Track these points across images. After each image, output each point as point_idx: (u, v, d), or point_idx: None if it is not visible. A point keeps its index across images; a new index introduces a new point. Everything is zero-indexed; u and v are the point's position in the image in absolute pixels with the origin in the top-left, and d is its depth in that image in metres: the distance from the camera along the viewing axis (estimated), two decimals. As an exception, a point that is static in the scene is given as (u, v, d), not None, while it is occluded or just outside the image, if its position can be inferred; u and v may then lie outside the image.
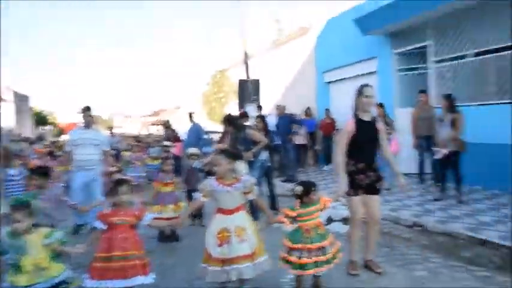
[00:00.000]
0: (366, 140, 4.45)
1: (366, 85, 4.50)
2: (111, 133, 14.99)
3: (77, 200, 5.92)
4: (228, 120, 7.02)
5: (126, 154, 11.92)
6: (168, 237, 6.03)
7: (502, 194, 7.52)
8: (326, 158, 12.31)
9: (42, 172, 4.92)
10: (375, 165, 4.51)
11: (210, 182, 3.88)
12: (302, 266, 3.80)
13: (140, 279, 3.53)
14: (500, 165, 7.63)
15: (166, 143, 10.76)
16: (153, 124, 30.74)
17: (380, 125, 4.57)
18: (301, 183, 4.09)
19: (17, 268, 3.32)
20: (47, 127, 26.52)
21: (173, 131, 12.04)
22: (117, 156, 12.12)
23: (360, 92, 4.45)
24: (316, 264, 3.82)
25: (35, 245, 3.35)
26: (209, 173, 5.67)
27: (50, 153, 10.53)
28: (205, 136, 12.13)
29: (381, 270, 4.44)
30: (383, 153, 4.62)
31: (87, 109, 6.93)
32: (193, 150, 7.26)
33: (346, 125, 4.52)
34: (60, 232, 3.52)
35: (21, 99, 29.04)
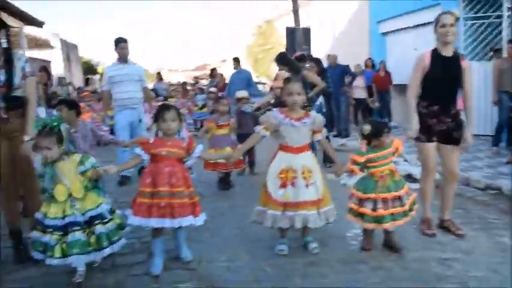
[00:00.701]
0: (443, 78, 3.68)
1: (445, 12, 3.69)
2: (160, 79, 14.63)
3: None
4: (283, 58, 6.30)
5: (171, 101, 11.61)
6: (220, 181, 5.67)
7: None
8: (381, 114, 11.49)
9: (69, 103, 4.22)
10: (453, 109, 3.76)
11: (275, 114, 3.34)
12: (377, 219, 3.27)
13: (189, 220, 3.07)
14: None
15: (212, 89, 10.25)
16: (197, 77, 30.41)
17: (464, 63, 3.75)
18: (371, 122, 3.48)
19: (51, 198, 2.97)
20: (96, 76, 26.69)
21: (222, 77, 11.48)
22: (163, 103, 11.88)
23: (436, 22, 3.69)
24: (393, 216, 3.27)
25: (68, 174, 2.98)
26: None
27: (94, 92, 10.34)
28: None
29: (462, 232, 3.81)
30: (463, 98, 3.84)
31: (121, 40, 6.10)
32: (242, 93, 6.66)
33: (420, 57, 3.79)
34: (93, 158, 3.10)
35: (70, 48, 29.29)
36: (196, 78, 24.89)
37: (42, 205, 3.04)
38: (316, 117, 3.41)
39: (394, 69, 11.28)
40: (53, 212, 2.91)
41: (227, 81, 11.58)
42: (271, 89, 6.66)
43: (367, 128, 3.37)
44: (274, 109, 3.45)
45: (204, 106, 11.13)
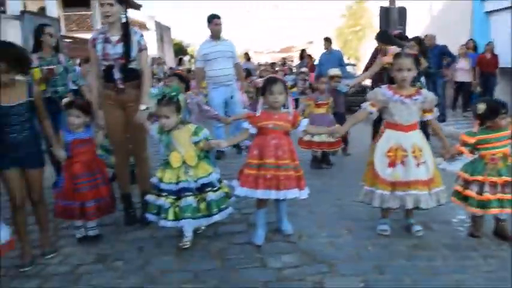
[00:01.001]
0: None
1: None
2: (248, 59, 14.78)
3: None
4: (385, 36, 6.01)
5: (259, 81, 11.66)
6: (319, 161, 5.64)
7: None
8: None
9: (180, 76, 4.43)
10: None
11: (383, 91, 3.23)
12: (483, 203, 3.07)
13: (294, 193, 3.09)
14: None
15: (303, 69, 10.16)
16: (284, 58, 30.41)
17: None
18: (487, 101, 3.25)
19: (166, 165, 3.14)
20: (186, 57, 27.82)
21: (311, 58, 11.36)
22: (252, 84, 12.03)
23: None
24: (501, 202, 3.05)
25: (183, 142, 3.14)
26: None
27: (189, 71, 10.73)
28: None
29: None
30: None
31: (215, 16, 6.07)
32: (335, 71, 6.41)
33: None
34: (206, 130, 3.22)
35: (163, 30, 30.57)
36: (284, 59, 24.89)
37: (157, 171, 3.23)
38: (428, 95, 3.25)
39: (499, 50, 10.40)
40: (168, 178, 3.08)
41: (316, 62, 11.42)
42: (367, 67, 6.37)
43: (481, 107, 3.15)
44: (383, 86, 3.32)
45: (293, 86, 11.09)
